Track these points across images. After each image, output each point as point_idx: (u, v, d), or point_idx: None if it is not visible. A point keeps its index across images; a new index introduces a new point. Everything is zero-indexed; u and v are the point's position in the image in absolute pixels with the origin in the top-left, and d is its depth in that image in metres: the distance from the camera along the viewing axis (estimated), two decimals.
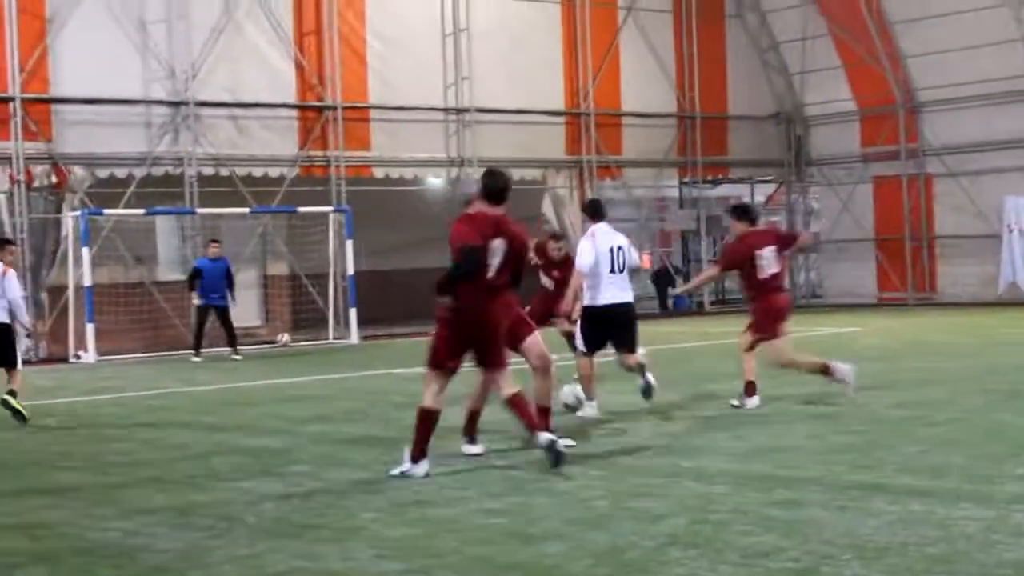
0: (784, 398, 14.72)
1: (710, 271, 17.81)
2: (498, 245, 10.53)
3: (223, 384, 19.91)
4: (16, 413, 15.35)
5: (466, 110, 32.46)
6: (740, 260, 14.58)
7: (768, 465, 10.26)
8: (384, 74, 31.45)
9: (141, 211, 27.14)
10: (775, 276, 14.53)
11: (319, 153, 30.52)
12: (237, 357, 24.74)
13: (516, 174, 33.37)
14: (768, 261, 14.42)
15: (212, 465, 11.39)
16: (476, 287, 10.37)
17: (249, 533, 8.46)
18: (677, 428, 12.62)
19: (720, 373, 18.16)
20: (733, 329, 26.28)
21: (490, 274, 10.45)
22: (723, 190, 42.53)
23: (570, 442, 11.38)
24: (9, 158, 26.60)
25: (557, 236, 17.22)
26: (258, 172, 29.66)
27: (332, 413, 15.16)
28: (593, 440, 11.99)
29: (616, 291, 13.66)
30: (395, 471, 10.39)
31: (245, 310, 28.91)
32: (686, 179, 38.11)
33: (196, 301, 25.11)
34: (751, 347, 14.47)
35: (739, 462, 10.47)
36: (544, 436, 10.45)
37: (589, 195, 34.56)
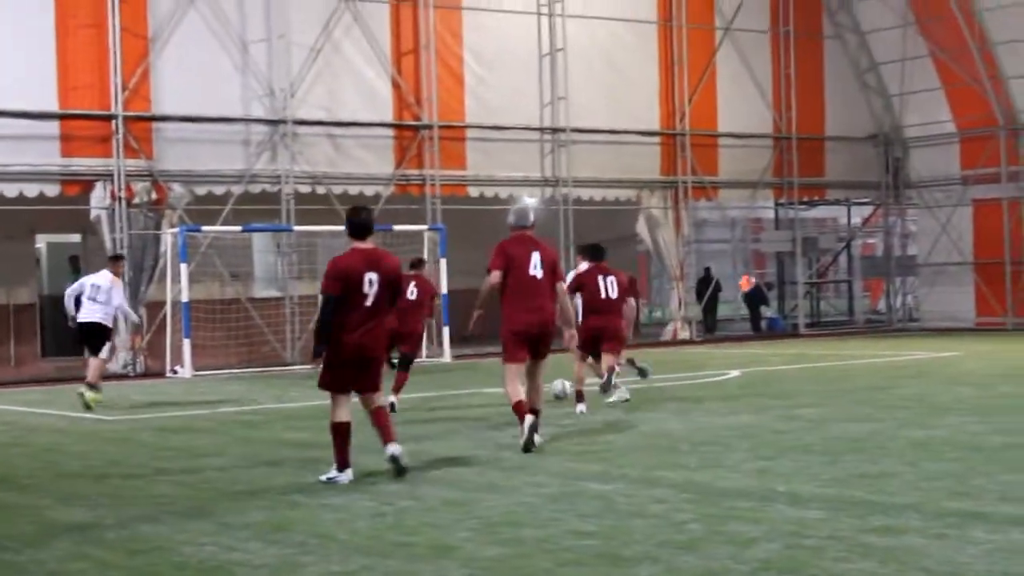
0: (879, 422, 14.55)
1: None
2: (372, 277, 11.44)
3: (315, 401, 19.99)
4: (86, 406, 19.02)
5: (562, 130, 32.51)
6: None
7: (863, 491, 10.13)
8: (480, 93, 31.61)
9: (238, 228, 27.44)
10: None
11: (415, 172, 30.71)
12: None
13: (611, 194, 33.45)
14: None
15: (305, 481, 11.46)
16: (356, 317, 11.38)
17: (342, 550, 8.49)
18: (770, 451, 12.50)
19: (814, 396, 18.01)
20: (829, 352, 26.10)
21: (367, 303, 11.39)
22: (819, 211, 42.21)
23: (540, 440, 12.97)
24: (111, 175, 27.05)
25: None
26: (354, 190, 29.89)
27: (425, 432, 15.19)
28: (685, 463, 11.92)
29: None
30: (323, 477, 11.35)
31: None
32: (782, 200, 37.86)
33: None
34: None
35: (833, 487, 10.35)
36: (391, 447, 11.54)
37: (685, 216, 34.52)
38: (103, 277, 20.11)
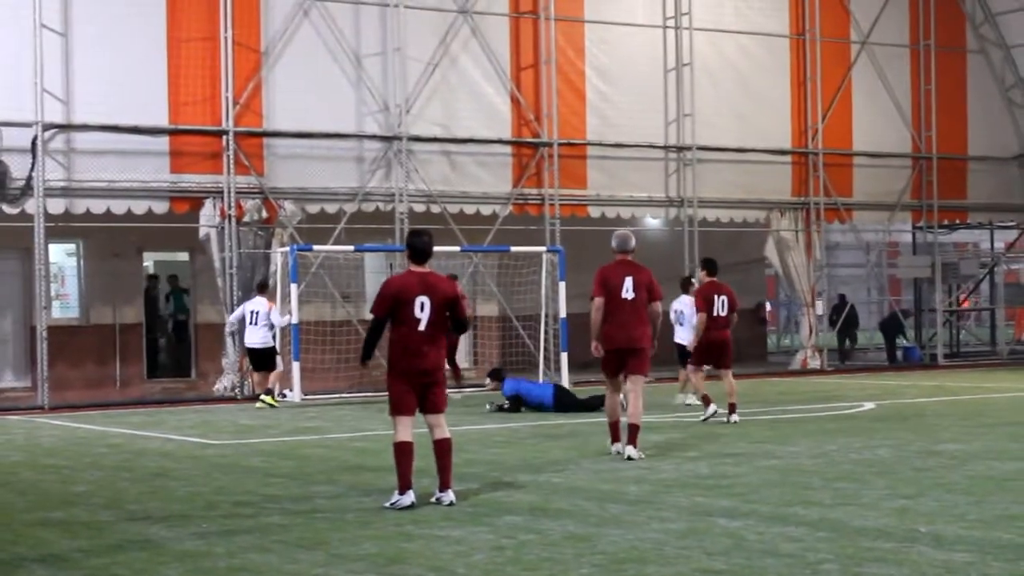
0: None
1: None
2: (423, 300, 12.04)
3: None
4: (270, 405, 24.20)
5: (687, 148, 32.38)
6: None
7: (1014, 533, 9.93)
8: (602, 110, 31.61)
9: (351, 248, 27.63)
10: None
11: (533, 191, 30.74)
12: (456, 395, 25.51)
13: (738, 215, 33.24)
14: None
15: (420, 512, 11.48)
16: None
17: None
18: (910, 490, 12.30)
19: (955, 431, 17.71)
20: (969, 384, 25.68)
21: (420, 327, 12.00)
22: (960, 235, 41.57)
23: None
24: (221, 192, 27.40)
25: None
26: (470, 209, 30.00)
27: (543, 461, 15.17)
28: (819, 499, 11.77)
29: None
30: (386, 503, 11.82)
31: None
32: (920, 223, 37.32)
33: None
34: None
35: (980, 528, 10.15)
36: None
37: (817, 239, 34.19)
38: (259, 303, 24.94)
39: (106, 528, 11.09)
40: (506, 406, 22.74)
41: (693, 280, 23.73)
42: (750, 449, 16.06)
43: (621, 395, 15.92)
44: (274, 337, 25.12)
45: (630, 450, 15.16)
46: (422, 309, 11.97)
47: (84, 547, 10.16)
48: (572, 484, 13.20)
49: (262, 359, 25.10)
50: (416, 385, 12.05)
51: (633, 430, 15.25)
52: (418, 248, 12.27)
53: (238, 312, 25.52)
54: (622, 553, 9.38)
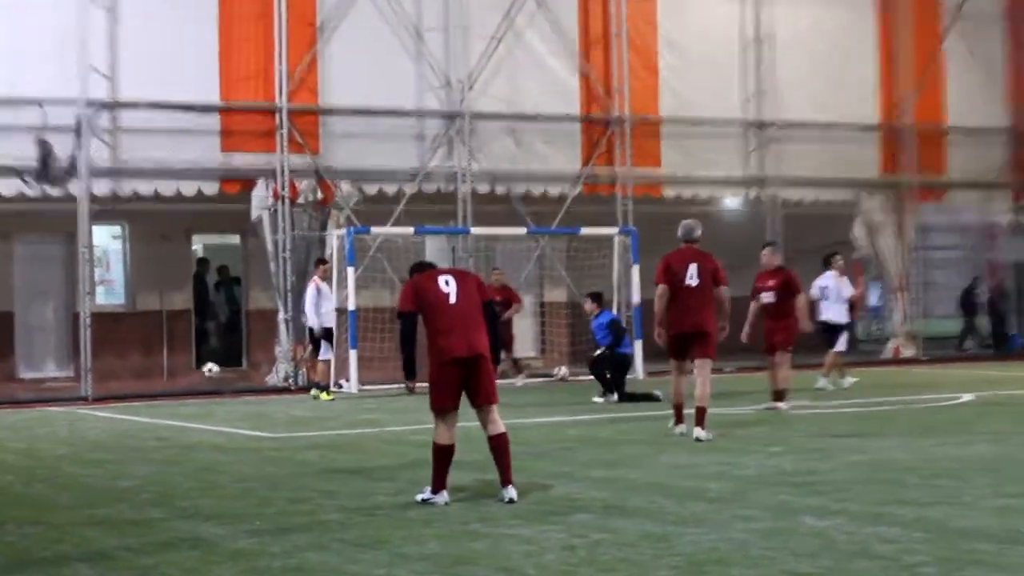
0: None
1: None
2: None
3: None
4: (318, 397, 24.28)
5: (768, 124, 32.16)
6: None
7: None
8: (676, 85, 31.44)
9: (410, 230, 27.64)
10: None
11: (604, 170, 30.62)
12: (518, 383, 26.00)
13: (823, 195, 32.95)
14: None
15: (487, 509, 11.42)
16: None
17: None
18: (1014, 488, 12.11)
19: None
20: None
21: (451, 301, 11.85)
22: None
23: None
24: (273, 172, 27.46)
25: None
26: (537, 190, 29.94)
27: (618, 456, 15.09)
28: (914, 498, 11.61)
29: None
30: (418, 497, 11.78)
31: (520, 339, 29.19)
32: (1022, 203, 36.86)
33: None
34: None
35: None
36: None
37: (909, 220, 33.85)
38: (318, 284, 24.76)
39: (155, 526, 11.10)
40: (613, 398, 22.61)
41: (836, 256, 24.80)
42: (838, 444, 15.91)
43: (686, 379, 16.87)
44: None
45: (698, 431, 16.20)
46: (447, 284, 11.86)
47: (132, 545, 10.17)
48: (649, 480, 13.12)
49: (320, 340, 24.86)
50: (459, 374, 11.71)
51: (700, 412, 16.32)
52: (423, 265, 12.53)
53: (312, 293, 24.76)
54: (702, 554, 9.29)
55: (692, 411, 16.48)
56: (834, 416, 19.42)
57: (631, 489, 12.51)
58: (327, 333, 24.79)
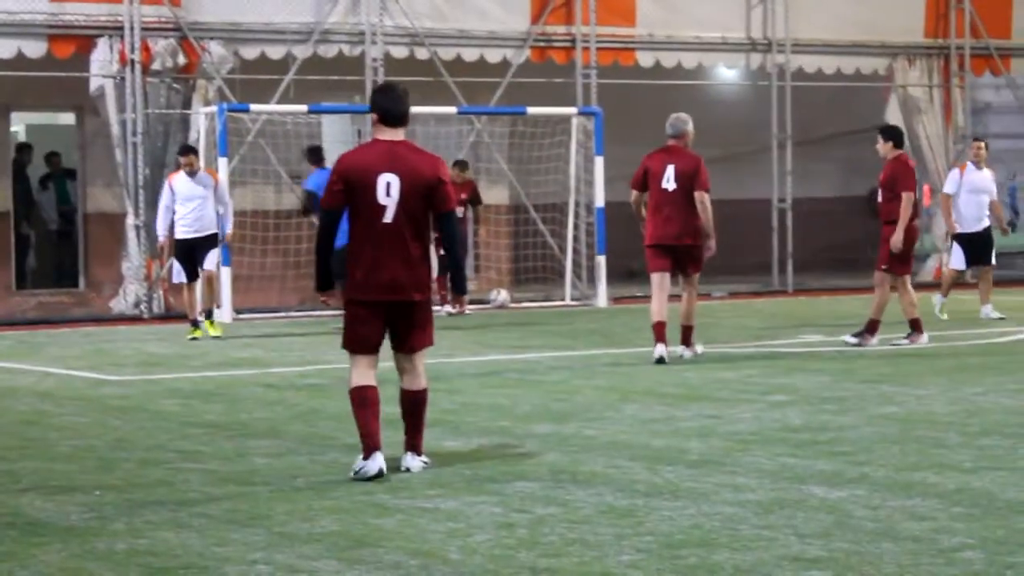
0: None
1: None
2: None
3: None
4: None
5: None
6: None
7: None
8: None
9: (303, 108, 27.58)
10: None
11: (560, 29, 30.60)
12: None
13: (848, 64, 33.04)
14: None
15: (399, 475, 11.50)
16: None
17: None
18: None
19: None
20: None
21: (385, 218, 11.63)
22: None
23: None
24: (120, 28, 27.25)
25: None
26: (470, 54, 29.88)
27: (572, 407, 15.20)
28: (955, 461, 11.79)
29: None
30: (351, 471, 11.49)
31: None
32: None
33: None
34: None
35: None
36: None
37: (960, 97, 33.99)
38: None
39: None
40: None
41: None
42: (860, 391, 16.10)
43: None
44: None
45: (683, 350, 18.82)
46: (388, 192, 11.53)
47: None
48: (611, 438, 13.24)
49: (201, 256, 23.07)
50: (381, 309, 11.70)
51: (686, 331, 18.92)
52: (387, 109, 11.81)
53: (166, 196, 23.11)
54: (679, 534, 9.41)
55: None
56: (855, 357, 19.59)
57: (587, 449, 12.63)
58: (185, 249, 23.05)
